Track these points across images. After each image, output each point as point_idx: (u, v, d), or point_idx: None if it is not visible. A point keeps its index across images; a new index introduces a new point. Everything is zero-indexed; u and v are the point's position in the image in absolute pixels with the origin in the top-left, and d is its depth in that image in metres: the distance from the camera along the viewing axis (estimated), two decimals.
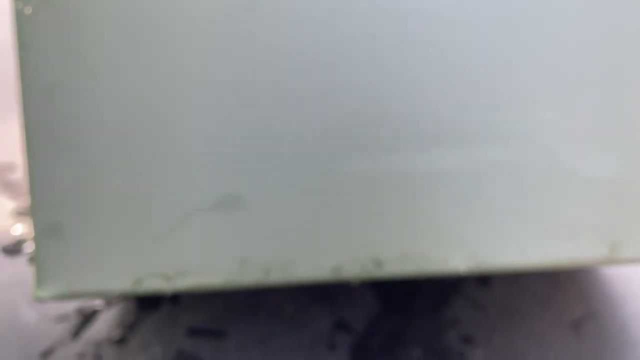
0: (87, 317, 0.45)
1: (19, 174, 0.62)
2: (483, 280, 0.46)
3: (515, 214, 0.34)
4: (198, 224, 0.34)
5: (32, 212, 0.33)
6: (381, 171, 0.34)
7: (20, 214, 0.57)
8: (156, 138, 0.33)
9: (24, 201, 0.59)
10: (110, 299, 0.46)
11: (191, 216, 0.34)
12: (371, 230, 0.34)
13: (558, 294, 0.45)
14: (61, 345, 0.43)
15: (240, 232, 0.34)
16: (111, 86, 0.33)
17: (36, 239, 0.33)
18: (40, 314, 0.46)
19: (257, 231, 0.34)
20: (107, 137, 0.33)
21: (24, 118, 0.33)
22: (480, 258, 0.34)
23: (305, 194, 0.33)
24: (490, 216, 0.34)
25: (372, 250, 0.34)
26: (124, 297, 0.46)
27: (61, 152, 0.33)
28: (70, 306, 0.46)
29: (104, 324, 0.44)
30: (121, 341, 0.43)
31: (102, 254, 0.34)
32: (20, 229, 0.55)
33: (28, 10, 0.33)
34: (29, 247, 0.53)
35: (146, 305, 0.46)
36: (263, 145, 0.34)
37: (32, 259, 0.34)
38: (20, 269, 0.51)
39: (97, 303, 0.46)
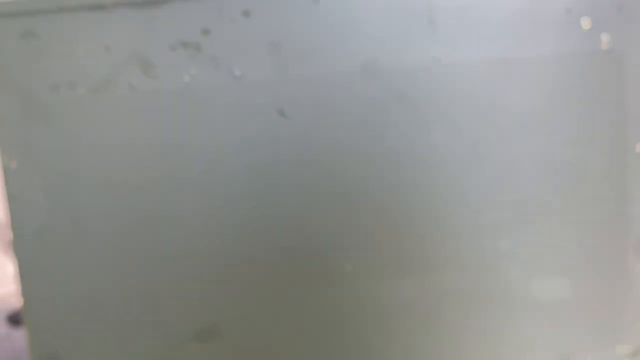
0: None
1: None
2: None
3: (474, 334, 0.37)
4: (182, 355, 0.37)
5: (30, 344, 0.37)
6: (345, 300, 0.36)
7: None
8: (139, 276, 0.36)
9: None
10: None
11: (176, 347, 0.37)
12: (335, 357, 0.37)
13: None
14: None
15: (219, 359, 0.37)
16: (93, 228, 0.36)
17: None
18: None
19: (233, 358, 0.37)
20: (96, 274, 0.36)
21: (17, 261, 0.36)
22: None
23: (274, 324, 0.36)
24: (450, 338, 0.37)
25: None
26: None
27: (54, 288, 0.36)
28: None
29: None
30: None
31: None
32: None
33: (14, 165, 0.35)
34: None
35: None
36: (236, 282, 0.36)
37: None
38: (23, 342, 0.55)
39: None
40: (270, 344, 0.37)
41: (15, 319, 0.56)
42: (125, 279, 0.36)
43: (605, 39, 0.35)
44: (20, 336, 0.55)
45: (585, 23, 0.35)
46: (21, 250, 0.36)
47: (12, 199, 0.36)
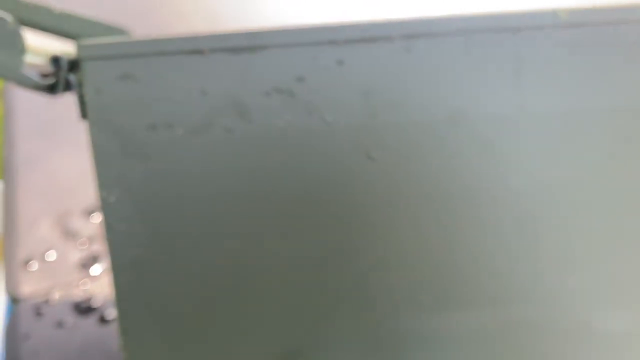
0: None
1: (80, 221, 0.67)
2: None
3: None
4: None
5: None
6: (424, 331, 0.39)
7: (85, 265, 0.63)
8: (225, 303, 0.39)
9: (89, 250, 0.64)
10: None
11: None
12: None
13: None
14: None
15: None
16: (188, 258, 0.38)
17: None
18: None
19: None
20: (187, 301, 0.39)
21: (115, 288, 0.39)
22: None
23: (355, 350, 0.39)
24: None
25: None
26: None
27: (148, 316, 0.39)
28: None
29: None
30: None
31: None
32: (88, 283, 0.62)
33: (112, 199, 0.37)
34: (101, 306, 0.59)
35: None
36: (320, 307, 0.39)
37: None
38: (93, 329, 0.58)
39: None
40: None
41: (81, 308, 0.60)
42: (213, 305, 0.39)
43: None
44: (87, 325, 0.58)
45: None
46: (118, 278, 0.39)
47: (109, 229, 0.38)
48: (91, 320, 0.58)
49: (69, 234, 0.66)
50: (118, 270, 0.39)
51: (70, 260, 0.64)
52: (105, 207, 0.38)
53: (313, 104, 0.36)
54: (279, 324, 0.39)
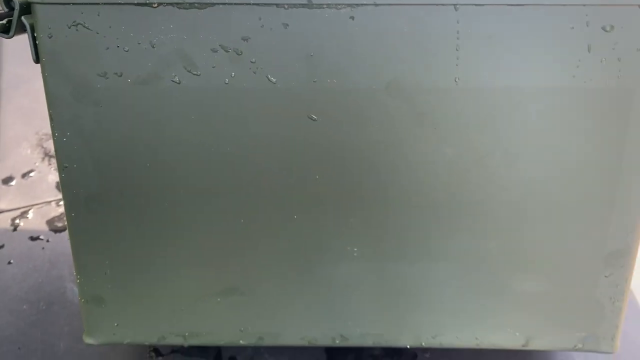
0: None
1: None
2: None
3: (450, 312, 0.43)
4: (208, 304, 0.43)
5: (79, 287, 0.43)
6: (350, 269, 0.42)
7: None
8: (171, 240, 0.42)
9: None
10: None
11: (203, 298, 0.43)
12: (340, 314, 0.44)
13: None
14: None
15: (239, 311, 0.44)
16: (135, 197, 0.41)
17: (83, 305, 0.43)
18: None
19: (252, 311, 0.44)
20: (139, 237, 0.42)
21: (68, 222, 0.41)
22: (423, 340, 0.44)
23: (287, 285, 0.43)
24: (432, 309, 0.43)
25: (341, 328, 0.44)
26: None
27: (102, 247, 0.42)
28: None
29: None
30: None
31: (135, 319, 0.44)
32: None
33: (65, 139, 0.39)
34: None
35: None
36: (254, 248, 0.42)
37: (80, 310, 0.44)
38: (64, 244, 0.61)
39: None
40: (282, 302, 0.43)
41: (54, 225, 0.63)
42: (158, 240, 0.42)
43: (618, 76, 0.37)
44: (59, 239, 0.62)
45: (603, 60, 0.37)
46: (71, 213, 0.41)
47: (63, 168, 0.40)
48: (63, 235, 0.62)
49: (50, 156, 0.68)
50: (70, 207, 0.41)
51: (49, 181, 0.67)
52: (59, 147, 0.40)
53: (257, 64, 0.37)
54: (217, 262, 0.42)
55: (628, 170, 0.39)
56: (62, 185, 0.41)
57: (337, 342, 0.45)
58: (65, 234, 0.62)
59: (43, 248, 0.61)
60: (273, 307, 0.44)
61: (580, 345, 0.44)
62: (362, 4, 0.36)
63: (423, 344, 0.44)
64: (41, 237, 0.62)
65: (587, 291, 0.43)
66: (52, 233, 0.63)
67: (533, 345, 0.44)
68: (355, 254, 0.42)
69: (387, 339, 0.45)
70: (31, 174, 0.67)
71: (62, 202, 0.64)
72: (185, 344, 0.45)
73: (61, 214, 0.64)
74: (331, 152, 0.39)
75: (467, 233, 0.41)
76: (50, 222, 0.64)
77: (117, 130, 0.39)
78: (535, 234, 0.41)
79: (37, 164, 0.68)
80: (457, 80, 0.37)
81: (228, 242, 0.42)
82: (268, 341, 0.45)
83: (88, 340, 0.45)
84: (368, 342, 0.45)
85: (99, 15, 0.36)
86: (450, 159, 0.39)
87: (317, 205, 0.40)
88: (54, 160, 0.68)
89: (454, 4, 0.35)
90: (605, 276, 0.42)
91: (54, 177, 0.67)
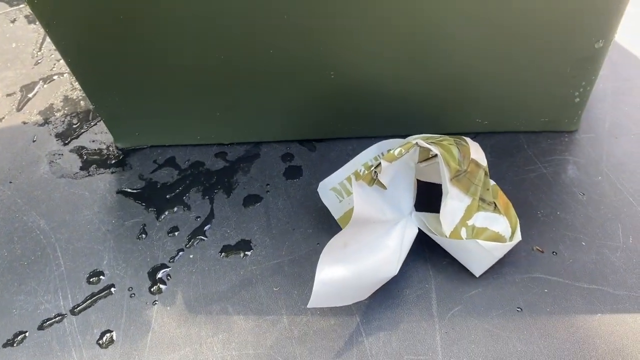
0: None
1: None
2: None
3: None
4: (208, 116, 0.49)
5: (96, 110, 0.49)
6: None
7: None
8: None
9: None
10: None
11: (202, 114, 0.49)
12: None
13: None
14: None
15: (234, 119, 0.50)
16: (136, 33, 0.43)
17: (105, 121, 0.51)
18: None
19: (242, 119, 0.50)
20: (140, 63, 0.45)
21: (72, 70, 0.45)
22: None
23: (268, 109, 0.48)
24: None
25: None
26: None
27: (107, 82, 0.46)
28: None
29: None
30: None
31: (150, 129, 0.51)
32: None
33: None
34: None
35: None
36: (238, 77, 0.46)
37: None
38: None
39: None
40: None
41: None
42: (161, 70, 0.46)
43: None
44: None
45: None
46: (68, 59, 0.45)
47: (47, 27, 0.42)
48: None
49: None
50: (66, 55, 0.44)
51: None
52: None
53: None
54: (215, 86, 0.47)
55: None
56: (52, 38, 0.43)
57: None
58: None
59: None
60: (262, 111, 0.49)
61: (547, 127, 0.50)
62: None
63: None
64: None
65: (555, 88, 0.46)
66: None
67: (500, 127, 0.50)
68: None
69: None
70: None
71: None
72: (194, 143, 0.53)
73: None
74: None
75: (449, 36, 0.43)
76: None
77: None
78: (519, 30, 0.42)
79: None
80: None
81: (216, 77, 0.46)
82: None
83: (118, 144, 0.53)
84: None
85: None
86: None
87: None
88: None
89: None
90: (573, 76, 0.45)
91: None
